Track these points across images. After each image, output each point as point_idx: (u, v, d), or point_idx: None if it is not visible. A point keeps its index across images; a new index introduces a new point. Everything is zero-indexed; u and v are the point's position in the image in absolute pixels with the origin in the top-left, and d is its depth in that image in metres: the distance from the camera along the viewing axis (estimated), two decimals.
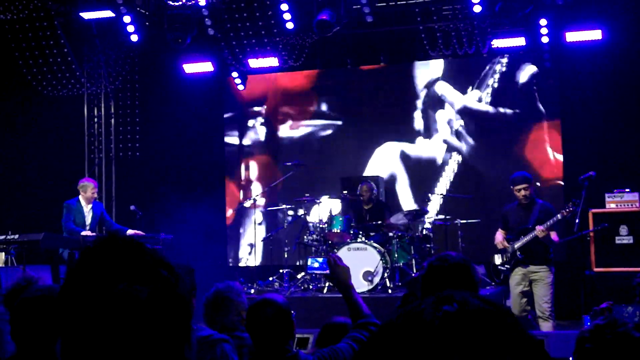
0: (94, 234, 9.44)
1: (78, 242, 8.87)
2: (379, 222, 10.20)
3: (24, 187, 12.97)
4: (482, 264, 9.51)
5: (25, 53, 12.34)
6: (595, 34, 10.52)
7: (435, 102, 12.13)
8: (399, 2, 11.33)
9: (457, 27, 11.26)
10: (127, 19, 11.33)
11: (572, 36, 10.64)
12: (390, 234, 9.96)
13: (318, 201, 10.87)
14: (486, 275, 9.36)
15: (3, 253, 10.08)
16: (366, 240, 9.76)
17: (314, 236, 10.29)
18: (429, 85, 12.18)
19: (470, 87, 11.96)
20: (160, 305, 1.17)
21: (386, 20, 11.59)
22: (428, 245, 10.09)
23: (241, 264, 12.75)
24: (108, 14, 11.10)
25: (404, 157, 12.19)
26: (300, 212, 11.22)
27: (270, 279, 10.64)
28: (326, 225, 10.18)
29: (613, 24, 10.58)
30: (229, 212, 12.91)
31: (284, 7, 11.06)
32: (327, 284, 9.55)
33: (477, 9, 10.50)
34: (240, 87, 12.74)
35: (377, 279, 9.50)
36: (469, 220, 10.53)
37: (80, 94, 12.82)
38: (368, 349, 0.92)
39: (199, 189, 12.54)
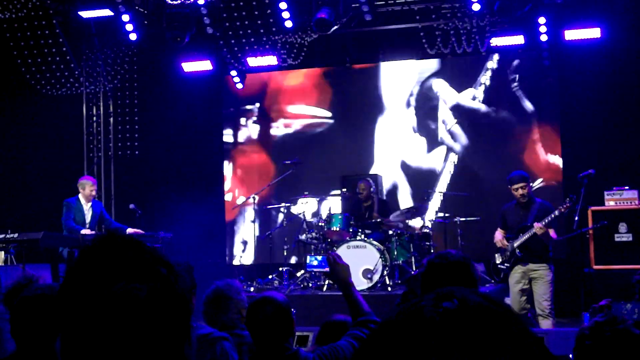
0: (93, 232, 9.43)
1: (77, 241, 8.86)
2: (378, 219, 10.21)
3: (23, 186, 12.96)
4: (482, 261, 9.52)
5: (24, 52, 12.33)
6: (594, 32, 10.52)
7: (430, 101, 12.11)
8: (397, 1, 11.34)
9: (456, 26, 11.26)
10: (125, 17, 11.32)
11: (570, 34, 10.65)
12: (390, 232, 9.97)
13: (318, 199, 10.88)
14: (486, 273, 9.37)
15: (2, 252, 10.07)
16: (365, 238, 9.76)
17: (314, 234, 10.29)
18: (425, 83, 12.17)
19: (465, 86, 11.96)
20: (160, 304, 1.17)
21: (385, 18, 11.59)
22: (427, 243, 10.10)
23: (235, 262, 12.75)
24: (107, 12, 11.10)
25: (402, 158, 12.18)
26: (295, 210, 11.25)
27: (270, 276, 10.65)
28: (325, 223, 10.18)
29: (612, 22, 10.58)
30: (230, 209, 12.90)
31: (283, 5, 11.06)
32: (326, 282, 9.55)
33: (476, 7, 10.51)
34: (239, 86, 12.73)
35: (376, 277, 9.50)
36: (468, 218, 10.53)
37: (79, 93, 12.81)
38: (368, 345, 0.92)
39: (198, 187, 12.54)
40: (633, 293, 7.61)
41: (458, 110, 11.95)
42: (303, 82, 12.72)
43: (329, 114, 12.56)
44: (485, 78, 11.85)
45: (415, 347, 0.86)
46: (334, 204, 11.34)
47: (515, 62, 11.68)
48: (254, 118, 12.93)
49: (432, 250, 9.85)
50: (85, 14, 11.25)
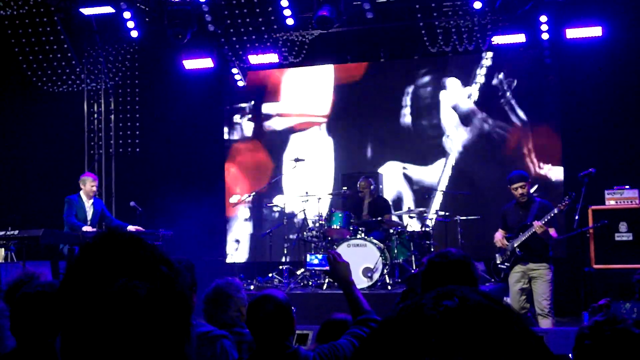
0: (95, 229, 9.44)
1: (78, 238, 8.87)
2: (379, 217, 10.21)
3: (24, 183, 12.97)
4: (482, 260, 9.52)
5: (25, 49, 12.33)
6: (596, 31, 10.52)
7: (431, 100, 12.10)
8: None
9: (458, 24, 11.25)
10: (127, 14, 11.33)
11: (572, 33, 10.65)
12: (390, 231, 9.97)
13: (318, 197, 10.87)
14: (486, 271, 9.37)
15: (3, 249, 10.08)
16: (366, 237, 9.76)
17: (314, 232, 10.29)
18: (426, 82, 12.17)
19: (462, 84, 11.96)
20: (160, 302, 1.17)
21: (386, 16, 11.58)
22: (428, 242, 10.09)
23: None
24: (108, 9, 11.11)
25: (402, 158, 12.17)
26: (295, 208, 11.25)
27: (270, 275, 10.65)
28: (326, 221, 10.18)
29: (613, 21, 10.58)
30: (230, 207, 12.90)
31: (284, 3, 11.06)
32: (326, 280, 9.55)
33: (478, 5, 10.51)
34: (240, 83, 12.74)
35: (376, 276, 9.50)
36: (469, 217, 10.53)
37: (80, 90, 12.81)
38: (368, 344, 0.92)
39: (198, 185, 12.53)
40: (633, 292, 7.61)
41: (456, 110, 11.95)
42: (303, 80, 12.71)
43: (329, 112, 12.55)
44: (479, 76, 11.84)
45: (415, 346, 0.87)
46: (334, 202, 11.34)
47: (506, 69, 11.66)
48: (255, 116, 12.92)
49: (432, 249, 9.84)
50: (86, 11, 11.26)
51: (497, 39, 10.93)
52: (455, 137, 11.92)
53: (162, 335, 1.16)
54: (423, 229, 10.39)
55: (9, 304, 3.16)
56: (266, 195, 12.10)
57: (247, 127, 12.95)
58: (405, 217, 11.12)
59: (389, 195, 11.77)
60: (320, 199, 10.90)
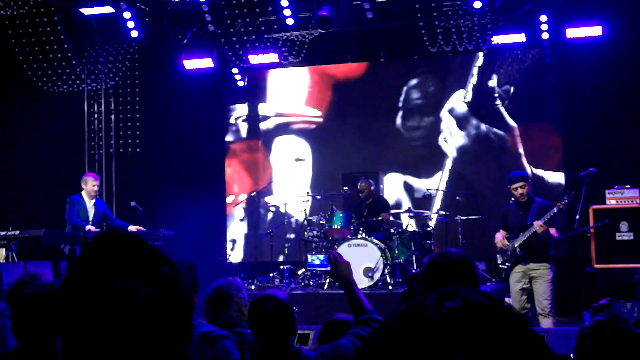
0: (98, 229, 9.44)
1: (79, 238, 8.87)
2: (379, 217, 10.22)
3: (24, 183, 12.97)
4: (483, 260, 9.52)
5: (25, 49, 12.33)
6: (596, 30, 10.52)
7: (430, 100, 12.10)
8: None
9: (458, 23, 11.25)
10: (127, 14, 11.33)
11: (572, 32, 10.64)
12: (391, 230, 9.97)
13: (318, 197, 10.88)
14: (487, 271, 9.37)
15: (4, 249, 10.08)
16: (367, 237, 9.76)
17: (315, 232, 10.29)
18: (425, 83, 12.17)
19: (457, 86, 11.97)
20: (161, 302, 1.17)
21: (386, 16, 11.58)
22: (428, 242, 10.09)
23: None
24: (108, 9, 11.12)
25: (401, 159, 12.18)
26: (296, 208, 11.27)
27: (271, 274, 10.66)
28: (326, 221, 10.18)
29: (613, 20, 10.58)
30: (231, 206, 12.92)
31: (284, 3, 11.06)
32: (327, 280, 9.55)
33: (477, 4, 10.51)
34: (241, 83, 12.75)
35: (377, 275, 9.50)
36: (469, 217, 10.53)
37: (80, 90, 12.81)
38: (370, 345, 0.92)
39: (199, 184, 12.54)
40: (634, 292, 7.61)
41: (452, 111, 11.95)
42: (303, 80, 12.71)
43: (330, 112, 12.55)
44: (473, 77, 11.85)
45: (417, 347, 0.87)
46: (335, 202, 11.34)
47: (506, 69, 11.66)
48: (255, 116, 12.92)
49: (433, 249, 9.85)
50: (86, 11, 11.26)
51: (497, 39, 10.93)
52: (454, 138, 11.91)
53: (163, 335, 1.16)
54: (424, 229, 10.39)
55: (11, 305, 3.16)
56: (264, 195, 12.10)
57: (247, 127, 12.95)
58: (406, 218, 11.11)
59: (389, 199, 11.78)
60: (320, 198, 10.90)
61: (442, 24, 11.32)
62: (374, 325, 3.36)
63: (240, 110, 12.98)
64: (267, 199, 12.25)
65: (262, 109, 12.89)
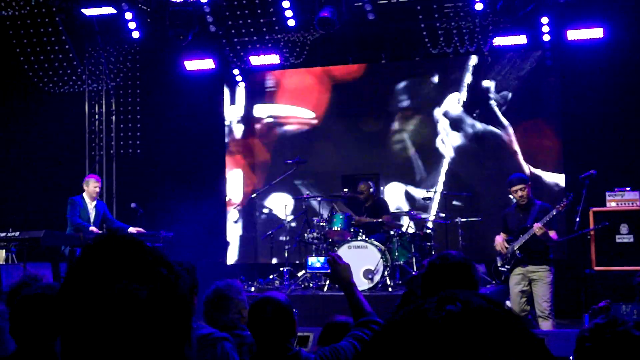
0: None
1: (79, 240, 8.86)
2: (379, 219, 10.22)
3: (25, 184, 12.97)
4: (483, 262, 9.52)
5: (27, 49, 12.35)
6: (597, 32, 10.52)
7: (427, 102, 12.11)
8: (400, 0, 11.34)
9: (459, 25, 11.26)
10: (128, 15, 11.34)
11: (573, 34, 10.65)
12: (391, 232, 9.97)
13: (318, 199, 10.89)
14: (486, 274, 9.37)
15: (4, 250, 10.09)
16: (367, 239, 9.76)
17: (315, 234, 10.29)
18: (425, 83, 12.18)
19: (451, 89, 11.98)
20: (160, 305, 1.17)
21: (388, 17, 11.58)
22: (428, 244, 10.09)
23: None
24: (110, 10, 11.12)
25: (400, 160, 12.18)
26: (289, 210, 11.29)
27: (271, 276, 10.66)
28: (327, 223, 10.18)
29: (614, 22, 10.58)
30: (230, 209, 12.93)
31: (286, 4, 11.07)
32: (327, 282, 9.55)
33: (479, 6, 10.52)
34: (242, 84, 12.75)
35: (377, 277, 9.50)
36: (469, 219, 10.53)
37: (82, 91, 12.82)
38: (371, 348, 0.92)
39: (200, 186, 12.54)
40: (634, 294, 7.61)
41: (447, 115, 11.96)
42: (305, 81, 12.71)
43: (330, 113, 12.55)
44: (467, 79, 11.87)
45: (418, 350, 0.87)
46: (335, 204, 11.34)
47: (506, 70, 11.67)
48: (255, 117, 12.92)
49: (433, 251, 9.84)
50: (88, 12, 11.27)
51: (499, 41, 10.94)
52: (450, 139, 11.91)
53: (163, 337, 1.16)
54: (423, 231, 10.39)
55: (11, 307, 3.16)
56: (263, 196, 12.10)
57: (247, 128, 12.95)
58: (405, 220, 11.12)
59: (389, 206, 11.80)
60: (320, 200, 10.90)
61: (443, 26, 11.33)
62: (374, 327, 3.36)
63: (240, 111, 12.98)
64: (266, 201, 12.24)
65: (263, 109, 12.89)
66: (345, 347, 3.30)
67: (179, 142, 12.75)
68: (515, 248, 7.91)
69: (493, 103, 11.71)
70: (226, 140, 12.99)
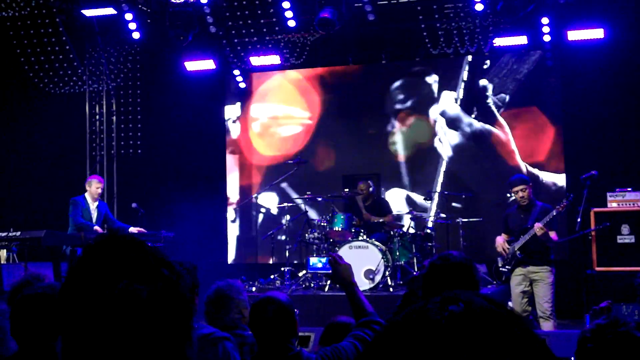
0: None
1: (80, 239, 8.87)
2: (380, 219, 10.22)
3: (26, 184, 12.98)
4: (484, 263, 9.52)
5: (27, 50, 12.35)
6: (598, 33, 10.52)
7: (426, 104, 12.11)
8: (400, 0, 11.34)
9: (459, 26, 11.26)
10: (129, 16, 11.34)
11: (574, 35, 10.64)
12: (392, 232, 9.97)
13: (319, 199, 10.88)
14: (487, 274, 9.37)
15: (5, 250, 10.09)
16: (368, 239, 9.76)
17: (315, 234, 10.29)
18: (425, 84, 12.18)
19: (446, 89, 11.99)
20: (161, 304, 1.17)
21: (388, 18, 11.58)
22: (429, 244, 10.09)
23: None
24: (110, 11, 11.13)
25: (398, 160, 12.18)
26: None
27: (272, 276, 10.66)
28: (328, 223, 10.18)
29: (615, 23, 10.57)
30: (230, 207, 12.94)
31: (286, 4, 11.07)
32: (328, 282, 9.55)
33: (479, 7, 10.51)
34: (242, 85, 12.76)
35: (378, 278, 9.50)
36: (471, 219, 10.53)
37: (82, 92, 12.83)
38: (374, 348, 0.92)
39: (200, 186, 12.54)
40: (635, 295, 7.61)
41: (444, 114, 11.96)
42: (305, 81, 12.71)
43: (330, 114, 12.55)
44: (463, 78, 11.88)
45: (421, 351, 0.87)
46: (335, 204, 11.35)
47: (506, 71, 11.67)
48: (256, 117, 12.93)
49: (434, 251, 9.85)
50: (88, 13, 11.27)
51: (499, 41, 10.93)
52: (448, 137, 11.91)
53: (163, 337, 1.16)
54: (425, 231, 10.39)
55: (12, 306, 3.15)
56: (263, 196, 12.10)
57: (248, 128, 12.95)
58: (406, 220, 11.12)
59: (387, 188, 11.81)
60: (321, 200, 10.90)
61: (443, 26, 11.33)
62: (375, 327, 3.36)
63: (240, 111, 12.98)
64: (266, 201, 12.24)
65: (264, 109, 12.89)
66: (346, 347, 3.30)
67: (179, 142, 12.76)
68: (516, 248, 7.91)
69: (490, 102, 11.71)
70: (237, 139, 12.98)
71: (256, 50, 11.93)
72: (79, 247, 8.86)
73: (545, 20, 10.66)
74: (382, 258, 9.51)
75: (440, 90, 12.03)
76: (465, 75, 11.87)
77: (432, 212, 11.23)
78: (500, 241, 8.10)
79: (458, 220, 10.37)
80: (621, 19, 10.64)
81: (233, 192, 12.88)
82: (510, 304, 8.06)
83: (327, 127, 12.52)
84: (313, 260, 4.03)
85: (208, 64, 12.01)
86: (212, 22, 11.51)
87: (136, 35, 11.64)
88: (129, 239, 1.25)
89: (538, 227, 7.65)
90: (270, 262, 11.29)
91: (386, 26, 11.74)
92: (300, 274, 10.27)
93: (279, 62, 11.99)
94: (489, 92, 11.73)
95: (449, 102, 11.93)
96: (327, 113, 12.55)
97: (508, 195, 8.20)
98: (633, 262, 8.65)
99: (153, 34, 11.87)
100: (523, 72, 11.61)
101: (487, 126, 11.73)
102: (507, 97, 11.66)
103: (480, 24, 11.10)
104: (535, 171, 11.37)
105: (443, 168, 11.90)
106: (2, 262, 10.21)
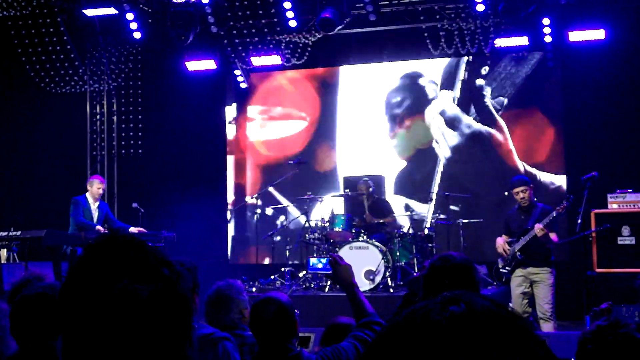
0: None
1: (80, 239, 8.87)
2: (380, 220, 10.21)
3: (26, 183, 12.98)
4: (484, 264, 9.52)
5: (29, 49, 12.35)
6: (599, 34, 10.51)
7: (427, 104, 12.10)
8: (402, 1, 11.34)
9: (460, 26, 11.26)
10: (130, 16, 11.34)
11: (575, 36, 10.63)
12: (393, 233, 9.96)
13: (320, 199, 10.89)
14: (488, 275, 9.37)
15: (5, 249, 10.09)
16: (368, 239, 9.76)
17: (316, 235, 10.29)
18: (425, 84, 12.18)
19: (444, 88, 11.98)
20: (161, 304, 1.17)
21: (389, 18, 11.58)
22: (430, 245, 10.09)
23: None
24: (111, 11, 11.12)
25: (398, 161, 12.18)
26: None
27: (272, 277, 10.66)
28: (328, 224, 10.18)
29: (616, 24, 10.57)
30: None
31: (287, 5, 11.07)
32: (328, 283, 9.55)
33: (480, 8, 10.50)
34: (243, 85, 12.76)
35: (378, 278, 9.50)
36: (471, 220, 10.53)
37: (83, 91, 12.83)
38: (374, 349, 0.92)
39: (201, 186, 12.54)
40: (635, 297, 7.60)
41: (442, 114, 11.96)
42: (306, 82, 12.71)
43: (331, 114, 12.55)
44: (460, 78, 11.88)
45: (421, 351, 0.86)
46: (336, 205, 11.35)
47: (508, 72, 11.68)
48: (256, 118, 12.93)
49: (434, 252, 9.84)
50: (89, 12, 11.27)
51: (500, 42, 10.93)
52: (447, 138, 11.91)
53: (163, 337, 1.16)
54: (425, 232, 10.39)
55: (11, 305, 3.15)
56: (263, 197, 12.10)
57: (248, 128, 12.96)
58: (407, 221, 11.11)
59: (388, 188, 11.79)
60: (322, 201, 10.90)
61: (445, 27, 11.32)
62: (376, 328, 3.36)
63: (243, 111, 12.98)
64: (268, 202, 12.23)
65: (264, 110, 12.89)
66: (346, 348, 3.30)
67: (180, 142, 12.76)
68: (516, 250, 7.91)
69: (488, 102, 11.71)
70: (238, 139, 12.99)
71: (257, 51, 11.93)
72: (80, 247, 8.86)
73: (546, 21, 10.66)
74: (383, 259, 9.50)
75: (442, 91, 12.02)
76: (462, 74, 11.87)
77: (431, 213, 11.23)
78: (501, 242, 8.11)
79: (458, 221, 10.36)
80: (622, 20, 10.63)
81: (235, 192, 12.86)
82: (510, 305, 8.06)
83: (327, 128, 12.52)
84: (313, 260, 4.03)
85: (209, 64, 12.00)
86: (213, 22, 11.51)
87: (137, 35, 11.64)
88: (130, 238, 1.25)
89: (538, 228, 7.66)
90: (268, 262, 11.29)
91: (387, 27, 11.73)
92: (301, 275, 10.27)
93: (280, 62, 11.99)
94: (485, 92, 11.72)
95: (447, 101, 11.93)
96: (327, 113, 12.55)
97: (506, 194, 8.20)
98: (633, 263, 8.65)
99: (154, 34, 11.87)
100: (521, 75, 11.61)
101: (486, 127, 11.73)
102: (505, 101, 11.66)
103: (482, 24, 11.10)
104: (534, 171, 11.37)
105: (440, 168, 11.90)
106: (2, 261, 10.21)
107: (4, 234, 8.80)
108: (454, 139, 11.87)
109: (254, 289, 9.98)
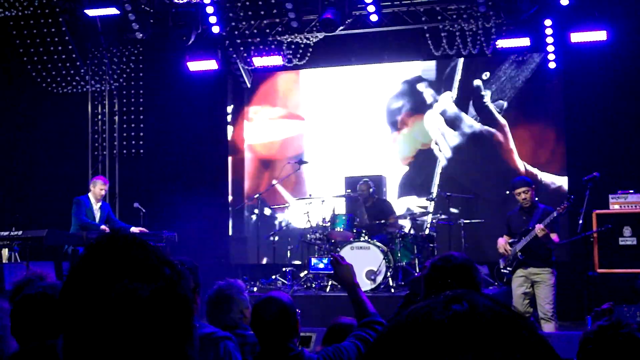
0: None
1: (81, 239, 8.88)
2: (382, 220, 10.21)
3: (28, 183, 12.99)
4: (485, 264, 9.52)
5: (30, 50, 12.37)
6: (601, 35, 10.50)
7: (427, 105, 12.10)
8: (403, 2, 11.34)
9: (462, 27, 11.25)
10: (131, 16, 11.34)
11: (577, 37, 10.62)
12: (394, 233, 9.96)
13: (321, 200, 10.88)
14: (489, 275, 9.37)
15: (7, 249, 10.10)
16: (369, 240, 9.75)
17: (317, 235, 10.29)
18: (425, 85, 12.18)
19: (443, 88, 11.98)
20: (162, 304, 1.17)
21: (391, 19, 11.58)
22: (431, 245, 10.09)
23: None
24: (113, 11, 11.13)
25: (397, 160, 12.18)
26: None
27: (273, 277, 10.66)
28: (329, 224, 10.18)
29: (618, 25, 10.56)
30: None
31: (289, 5, 11.07)
32: (329, 283, 9.55)
33: (482, 9, 10.50)
34: (245, 85, 12.76)
35: (379, 278, 9.50)
36: (473, 220, 10.52)
37: (85, 91, 12.84)
38: (376, 348, 0.92)
39: (202, 186, 12.54)
40: (637, 297, 7.60)
41: (443, 114, 11.96)
42: (307, 82, 12.72)
43: (331, 114, 12.55)
44: (457, 78, 11.89)
45: (424, 350, 0.86)
46: (337, 205, 11.35)
47: (510, 72, 11.68)
48: (257, 118, 12.93)
49: (435, 252, 9.84)
50: (91, 12, 11.28)
51: (502, 43, 10.92)
52: (447, 139, 11.91)
53: (164, 336, 1.16)
54: (426, 232, 10.38)
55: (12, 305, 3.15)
56: (264, 196, 12.11)
57: (249, 129, 12.96)
58: (408, 221, 11.11)
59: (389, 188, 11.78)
60: (323, 201, 10.90)
61: (446, 28, 11.32)
62: (377, 327, 3.36)
63: (244, 112, 12.98)
64: (269, 202, 12.24)
65: (266, 111, 12.89)
66: (348, 348, 3.30)
67: (181, 142, 12.76)
68: (518, 250, 7.91)
69: (487, 102, 11.71)
70: (239, 139, 12.99)
71: (259, 51, 11.93)
72: (81, 247, 8.86)
73: (548, 22, 10.66)
74: (384, 259, 9.50)
75: (442, 91, 12.02)
76: (459, 74, 11.87)
77: (434, 213, 11.22)
78: (502, 242, 8.11)
79: (459, 221, 10.36)
80: (624, 21, 10.63)
81: (233, 192, 12.86)
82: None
83: (327, 128, 12.52)
84: (315, 260, 4.04)
85: (211, 64, 12.00)
86: (215, 22, 11.52)
87: (139, 35, 11.65)
88: (131, 238, 1.25)
89: (539, 229, 7.67)
90: (275, 262, 11.28)
91: (389, 27, 11.73)
92: (302, 274, 10.27)
93: (282, 62, 11.99)
94: (484, 92, 11.72)
95: (447, 101, 11.92)
96: (328, 114, 12.55)
97: (507, 193, 8.20)
98: (635, 264, 8.64)
99: (156, 34, 11.87)
100: (521, 79, 11.61)
101: (487, 127, 11.72)
102: (505, 104, 11.66)
103: (483, 25, 11.09)
104: (535, 171, 11.37)
105: (439, 170, 11.89)
106: (4, 261, 10.21)
107: (6, 233, 8.80)
108: (455, 139, 11.87)
109: (255, 289, 9.97)
